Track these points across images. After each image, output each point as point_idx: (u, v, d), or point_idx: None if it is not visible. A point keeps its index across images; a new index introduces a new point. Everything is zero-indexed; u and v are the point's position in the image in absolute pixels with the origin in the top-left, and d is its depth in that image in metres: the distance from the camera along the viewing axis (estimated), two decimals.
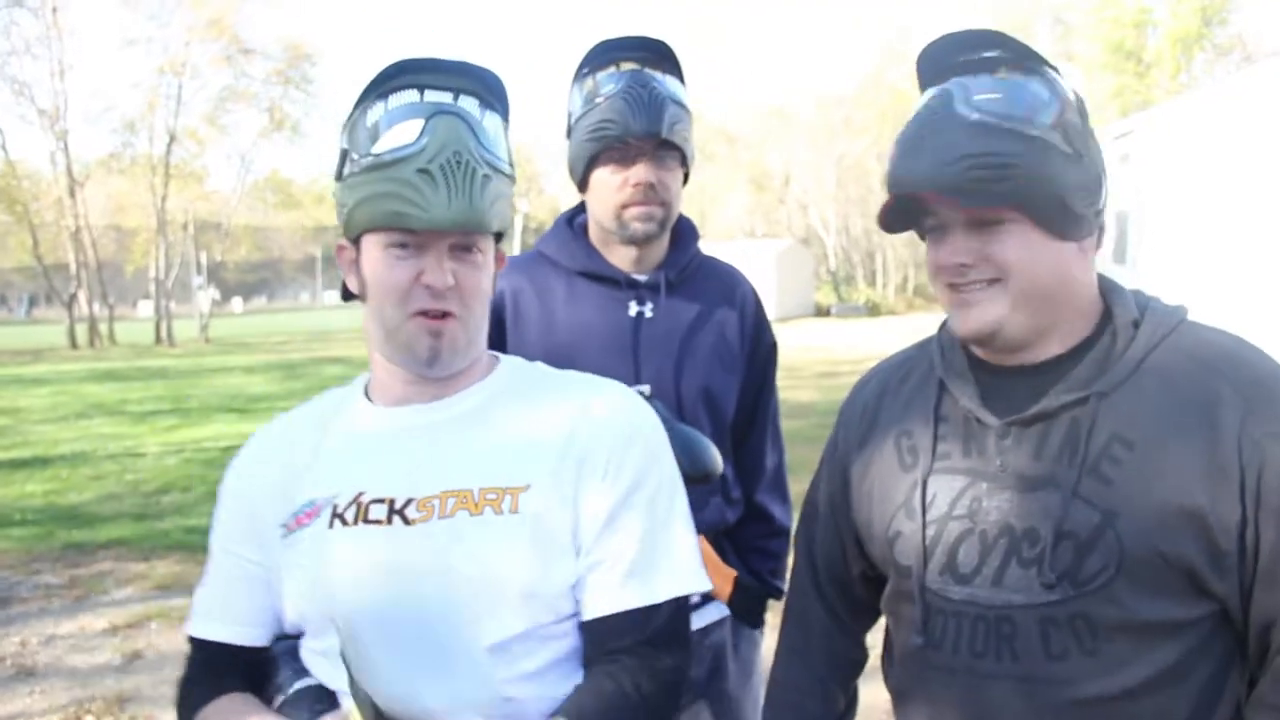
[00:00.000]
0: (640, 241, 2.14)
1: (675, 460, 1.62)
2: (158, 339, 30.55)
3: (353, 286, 1.57)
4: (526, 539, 1.46)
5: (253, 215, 46.16)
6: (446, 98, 1.48)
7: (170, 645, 5.16)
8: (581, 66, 2.17)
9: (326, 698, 1.48)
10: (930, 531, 1.47)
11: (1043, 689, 1.38)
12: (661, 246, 2.21)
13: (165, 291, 32.24)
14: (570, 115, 2.17)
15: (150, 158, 33.28)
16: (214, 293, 38.74)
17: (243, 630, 1.56)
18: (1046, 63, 1.41)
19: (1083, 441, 1.37)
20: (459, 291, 1.47)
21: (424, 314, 1.47)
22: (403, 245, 1.45)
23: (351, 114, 1.51)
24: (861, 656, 1.74)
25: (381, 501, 1.49)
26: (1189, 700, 1.36)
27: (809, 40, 47.71)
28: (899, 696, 1.59)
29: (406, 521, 1.47)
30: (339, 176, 1.51)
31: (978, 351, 1.49)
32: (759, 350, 2.29)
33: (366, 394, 1.61)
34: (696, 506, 1.85)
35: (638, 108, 2.05)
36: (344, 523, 1.49)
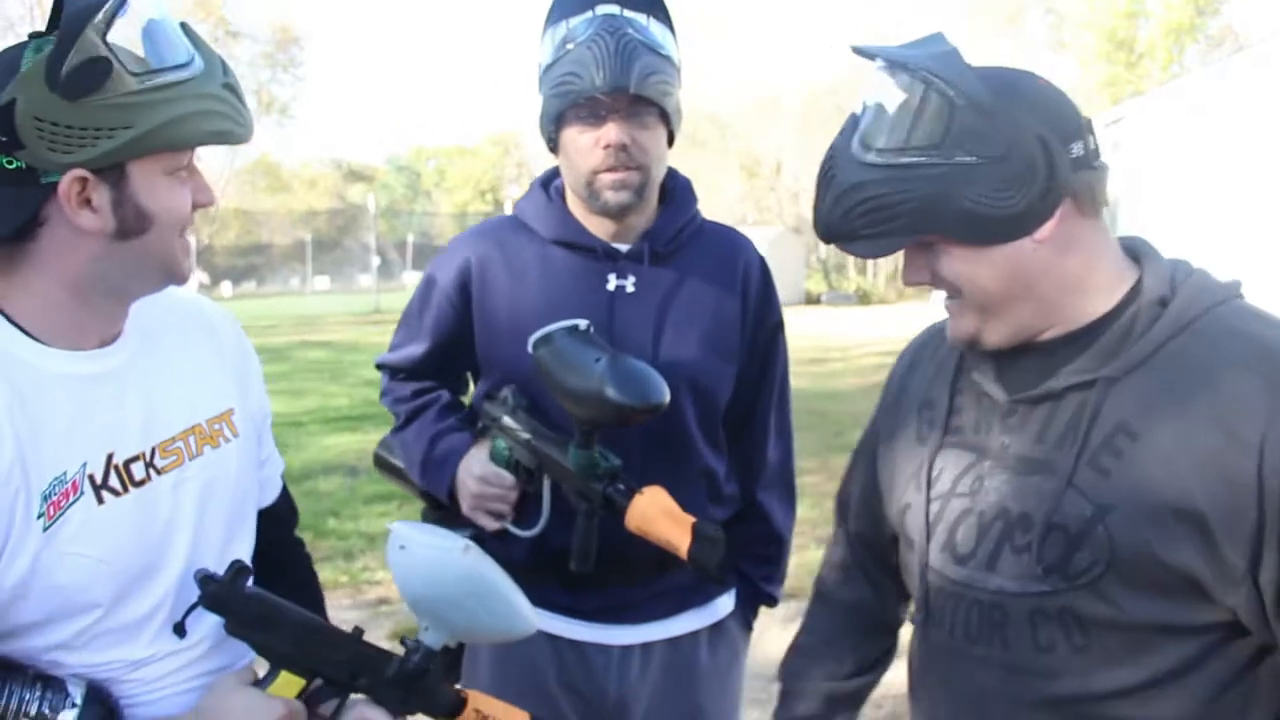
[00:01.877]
0: (615, 214, 1.95)
1: (614, 394, 1.71)
2: None
3: (95, 225, 1.32)
4: (248, 458, 1.60)
5: (242, 199, 45.96)
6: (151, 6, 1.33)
7: None
8: (553, 10, 1.94)
9: (106, 690, 1.40)
10: (934, 507, 1.44)
11: (1030, 680, 1.34)
12: (647, 212, 2.01)
13: None
14: (540, 66, 1.95)
15: None
16: (203, 276, 38.54)
17: None
18: (931, 71, 1.30)
19: (1084, 428, 1.29)
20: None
21: (183, 233, 1.42)
22: (185, 167, 1.38)
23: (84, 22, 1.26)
24: (892, 617, 1.72)
25: (136, 459, 1.42)
26: (1191, 709, 1.29)
27: (800, 27, 47.66)
28: (911, 677, 1.58)
29: (159, 471, 1.44)
30: (78, 95, 1.25)
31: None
32: (761, 330, 2.11)
33: (27, 334, 1.36)
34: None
35: (604, 58, 1.81)
36: (114, 493, 1.38)
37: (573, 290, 1.97)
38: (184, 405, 1.50)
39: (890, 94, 1.31)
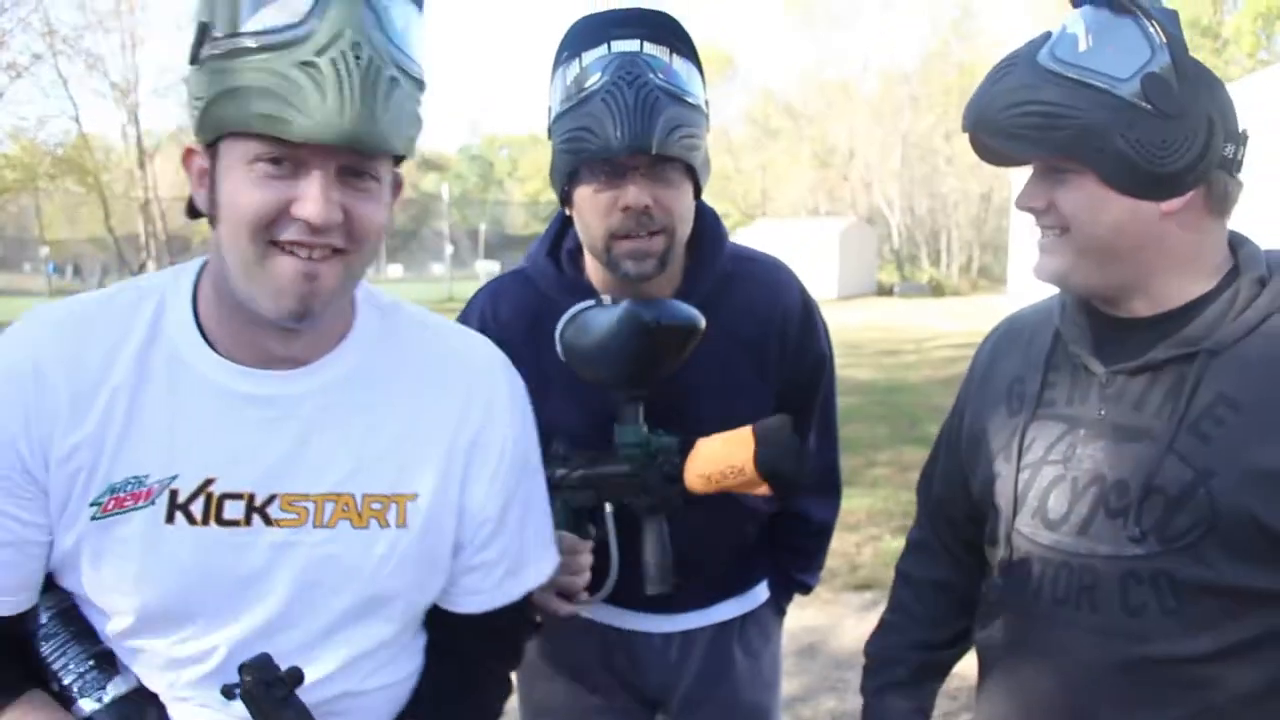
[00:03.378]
0: (636, 283, 1.74)
1: (645, 313, 1.56)
2: None
3: (200, 203, 1.21)
4: (414, 556, 1.32)
5: None
6: None
7: None
8: (562, 46, 1.71)
9: (154, 707, 1.28)
10: (1024, 476, 1.48)
11: (1118, 643, 1.37)
12: (673, 272, 1.81)
13: None
14: (550, 110, 1.74)
15: None
16: None
17: (5, 600, 1.25)
18: (1151, 11, 1.34)
19: (1185, 397, 1.33)
20: (346, 228, 1.17)
21: (293, 251, 1.16)
22: (274, 160, 1.13)
23: None
24: (973, 594, 1.73)
25: (238, 497, 1.23)
26: (1274, 676, 1.33)
27: (874, 15, 47.15)
28: (984, 650, 1.60)
29: (268, 521, 1.24)
30: (194, 59, 1.15)
31: (1095, 302, 1.47)
32: (800, 370, 1.94)
33: (203, 332, 1.25)
34: (735, 543, 1.75)
35: (623, 114, 1.60)
36: (190, 519, 1.23)
37: None
38: (347, 466, 1.27)
39: (1096, 21, 1.34)
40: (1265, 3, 33.48)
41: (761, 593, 2.09)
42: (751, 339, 1.86)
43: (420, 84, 1.21)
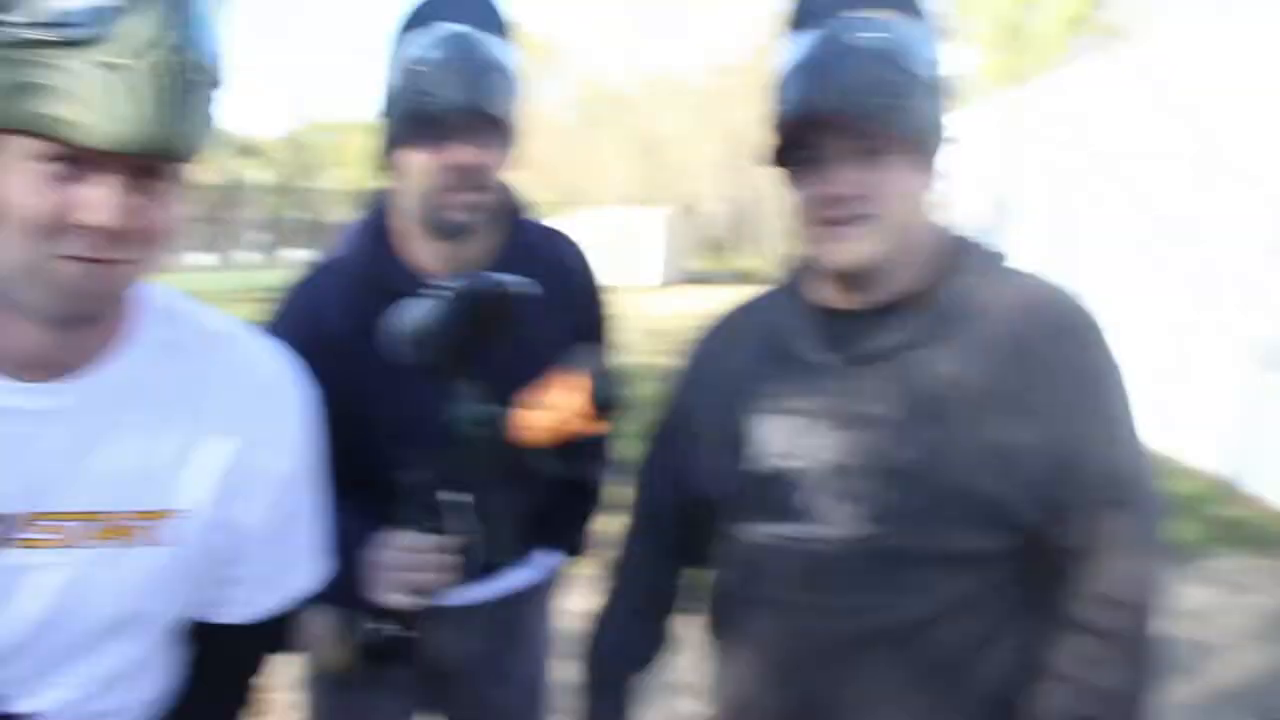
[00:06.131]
0: (455, 235, 1.80)
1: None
2: None
3: None
4: (172, 572, 1.25)
5: None
6: None
7: None
8: (396, 33, 1.81)
9: None
10: (760, 468, 1.48)
11: (845, 620, 1.42)
12: (482, 239, 1.87)
13: None
14: (384, 91, 1.82)
15: None
16: None
17: None
18: (921, 12, 1.43)
19: (912, 381, 1.40)
20: (134, 234, 1.08)
21: (78, 258, 1.07)
22: (59, 159, 1.04)
23: None
24: (673, 592, 1.73)
25: None
26: (983, 626, 1.42)
27: (701, 6, 47.80)
28: (718, 639, 1.62)
29: (19, 543, 1.16)
30: None
31: (818, 295, 1.50)
32: (591, 314, 2.04)
33: None
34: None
35: (454, 76, 1.71)
36: None
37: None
38: (103, 486, 1.19)
39: (880, 21, 1.40)
40: (1069, 9, 35.25)
41: (539, 565, 2.08)
42: (550, 303, 1.82)
43: (216, 83, 1.12)
